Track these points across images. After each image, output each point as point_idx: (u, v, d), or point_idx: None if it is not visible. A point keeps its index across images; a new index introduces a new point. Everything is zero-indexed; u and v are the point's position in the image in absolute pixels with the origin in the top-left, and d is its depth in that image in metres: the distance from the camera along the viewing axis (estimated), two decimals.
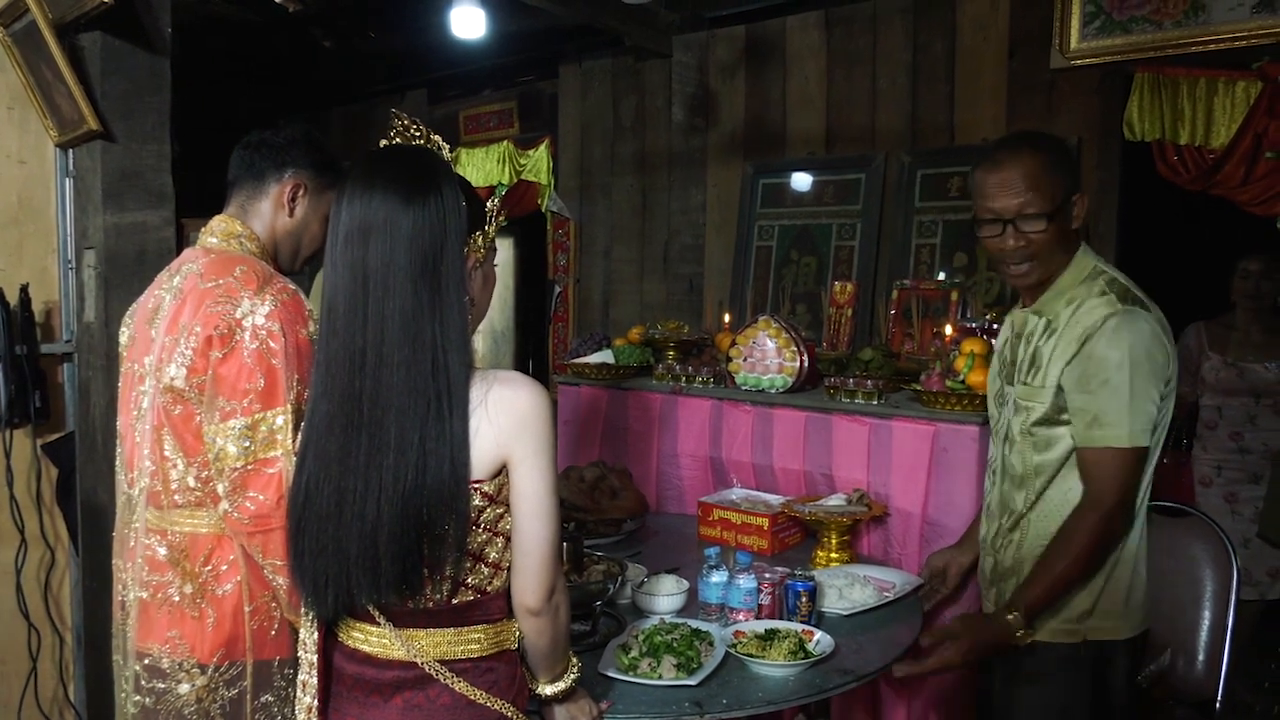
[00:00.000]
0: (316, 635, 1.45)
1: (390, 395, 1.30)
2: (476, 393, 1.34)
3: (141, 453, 1.71)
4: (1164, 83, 3.39)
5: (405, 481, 1.29)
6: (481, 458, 1.34)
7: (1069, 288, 1.90)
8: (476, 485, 1.34)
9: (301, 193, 1.84)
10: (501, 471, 1.37)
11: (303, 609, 1.45)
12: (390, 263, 1.31)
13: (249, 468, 1.57)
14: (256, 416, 1.58)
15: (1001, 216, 1.87)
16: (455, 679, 1.37)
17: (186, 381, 1.62)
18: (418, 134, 1.43)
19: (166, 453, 1.67)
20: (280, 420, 1.58)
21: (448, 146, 1.44)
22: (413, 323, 1.31)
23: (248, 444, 1.57)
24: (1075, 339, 1.84)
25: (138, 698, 1.68)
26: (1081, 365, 1.82)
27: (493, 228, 1.45)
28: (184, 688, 1.64)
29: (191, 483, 1.65)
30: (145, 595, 1.69)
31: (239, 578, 1.65)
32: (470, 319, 1.41)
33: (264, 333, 1.60)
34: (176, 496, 1.67)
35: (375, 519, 1.30)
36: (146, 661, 1.67)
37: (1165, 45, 3.35)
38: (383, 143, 1.43)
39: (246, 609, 1.65)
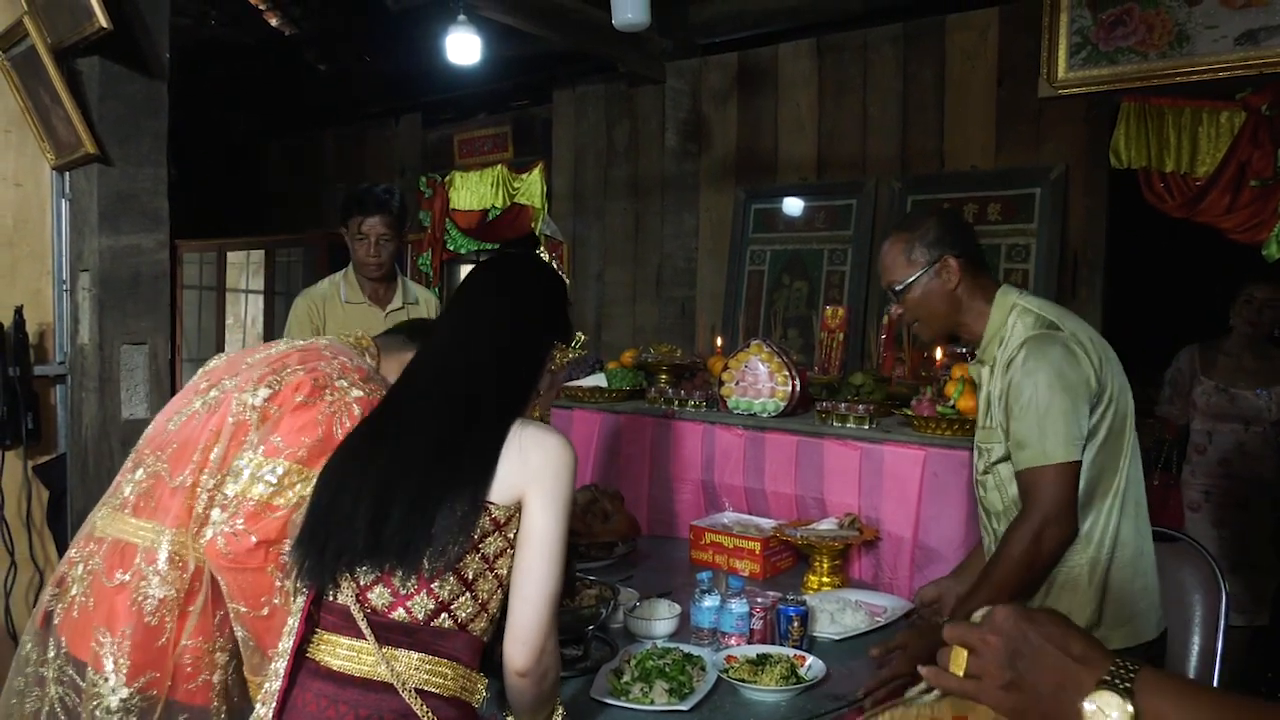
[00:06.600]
0: (291, 645, 1.42)
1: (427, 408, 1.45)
2: (515, 429, 1.42)
3: (171, 449, 1.70)
4: (1150, 112, 3.45)
5: (434, 470, 1.37)
6: (501, 483, 1.38)
7: (997, 330, 2.04)
8: (490, 504, 1.37)
9: None
10: (514, 506, 1.39)
11: (288, 619, 1.45)
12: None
13: (256, 504, 1.56)
14: (292, 466, 1.58)
15: (889, 290, 2.16)
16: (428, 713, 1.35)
17: (263, 404, 1.64)
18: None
19: (212, 457, 1.66)
20: (309, 487, 1.55)
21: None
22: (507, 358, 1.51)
23: (270, 486, 1.57)
24: (1003, 375, 1.97)
25: (57, 689, 1.65)
26: (1006, 398, 1.95)
27: (572, 350, 1.65)
28: (112, 700, 1.61)
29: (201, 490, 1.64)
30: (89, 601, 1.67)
31: (195, 607, 1.63)
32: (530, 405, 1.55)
33: (344, 405, 1.64)
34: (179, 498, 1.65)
35: (398, 482, 1.38)
36: (72, 666, 1.65)
37: (1151, 75, 3.41)
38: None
39: (185, 642, 1.63)
